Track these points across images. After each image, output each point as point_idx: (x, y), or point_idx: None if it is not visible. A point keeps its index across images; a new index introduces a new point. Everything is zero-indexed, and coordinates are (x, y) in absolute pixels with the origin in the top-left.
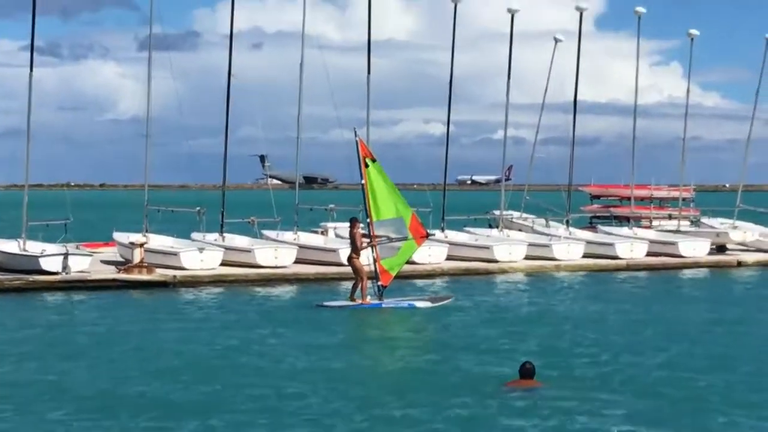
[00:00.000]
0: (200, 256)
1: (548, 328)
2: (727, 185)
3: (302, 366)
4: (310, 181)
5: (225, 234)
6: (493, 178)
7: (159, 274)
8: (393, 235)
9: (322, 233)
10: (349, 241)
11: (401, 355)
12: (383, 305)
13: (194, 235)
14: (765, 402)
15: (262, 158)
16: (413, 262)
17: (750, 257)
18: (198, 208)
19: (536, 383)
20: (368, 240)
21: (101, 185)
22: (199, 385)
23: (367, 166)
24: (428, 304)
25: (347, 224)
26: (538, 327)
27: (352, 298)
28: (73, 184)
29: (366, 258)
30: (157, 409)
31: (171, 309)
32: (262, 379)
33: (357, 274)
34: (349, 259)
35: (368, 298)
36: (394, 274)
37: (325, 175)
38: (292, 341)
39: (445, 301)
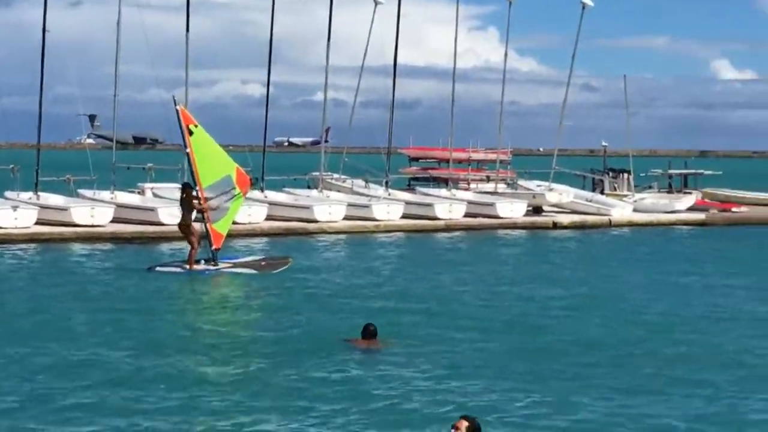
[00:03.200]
0: (14, 214)
1: (382, 288)
2: (541, 149)
3: (138, 333)
4: (139, 141)
5: (40, 192)
6: (310, 140)
7: None
8: (224, 196)
9: (139, 193)
10: (179, 205)
11: (239, 318)
12: (221, 270)
13: (8, 193)
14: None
15: (92, 117)
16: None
17: (565, 218)
18: (12, 166)
19: (378, 343)
20: (199, 205)
21: None
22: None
23: (191, 133)
24: (264, 270)
25: (165, 185)
26: (375, 288)
27: (190, 266)
28: None
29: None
30: None
31: None
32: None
33: (188, 240)
34: (180, 225)
35: (201, 263)
36: (224, 233)
37: (155, 135)
38: (127, 306)
39: (283, 267)
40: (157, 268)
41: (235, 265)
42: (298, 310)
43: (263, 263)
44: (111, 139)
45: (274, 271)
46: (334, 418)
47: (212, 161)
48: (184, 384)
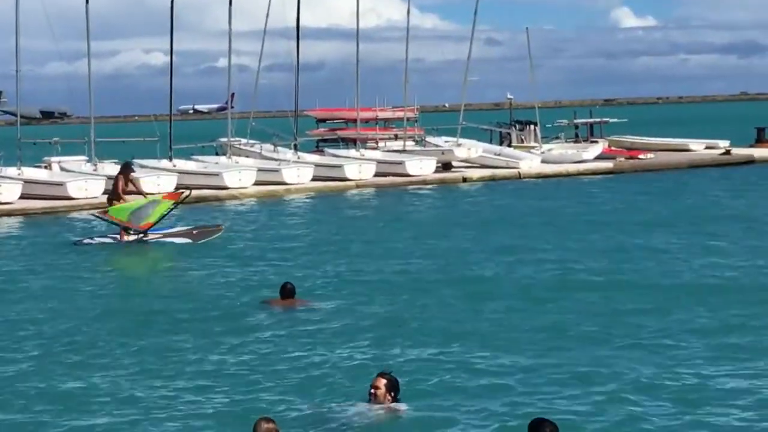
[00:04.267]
0: None
1: (299, 251)
2: (447, 105)
3: (66, 303)
4: (47, 115)
5: None
6: (215, 106)
7: None
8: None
9: (46, 167)
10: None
11: (162, 286)
12: (151, 240)
13: None
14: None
15: None
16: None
17: (474, 173)
18: None
19: (295, 301)
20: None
21: None
22: None
23: None
24: (191, 240)
25: (72, 158)
26: (293, 251)
27: (121, 237)
28: None
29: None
30: None
31: None
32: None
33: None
34: (109, 201)
35: (131, 234)
36: (153, 221)
37: (63, 109)
38: (57, 283)
39: (216, 234)
40: (86, 241)
41: (166, 235)
42: (221, 276)
43: (195, 232)
44: (19, 115)
45: (206, 239)
46: (245, 381)
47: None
48: (105, 352)
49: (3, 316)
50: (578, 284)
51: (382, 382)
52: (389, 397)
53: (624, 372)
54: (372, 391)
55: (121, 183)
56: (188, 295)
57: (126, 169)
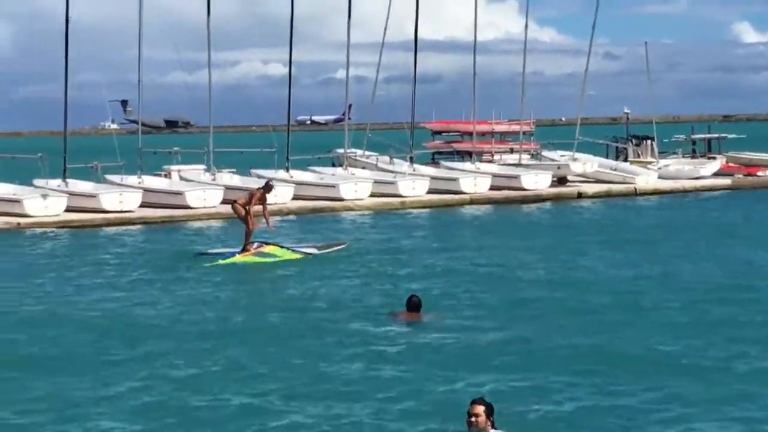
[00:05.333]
0: (44, 202)
1: (421, 263)
2: (563, 119)
3: (196, 320)
4: (171, 124)
5: (68, 180)
6: (332, 118)
7: (2, 221)
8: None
9: (165, 176)
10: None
11: (287, 298)
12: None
13: (36, 181)
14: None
15: (124, 103)
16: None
17: (590, 188)
18: (39, 155)
19: (421, 315)
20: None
21: None
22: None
23: None
24: (314, 250)
25: (192, 167)
26: (415, 264)
27: (245, 247)
28: None
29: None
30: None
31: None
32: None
33: (244, 220)
34: (235, 202)
35: (254, 245)
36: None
37: (186, 119)
38: (184, 294)
39: (336, 247)
40: (209, 252)
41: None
42: (344, 288)
43: (318, 246)
44: (143, 124)
45: (328, 251)
46: (365, 392)
47: None
48: (239, 365)
49: (134, 322)
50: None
51: (481, 408)
52: (489, 423)
53: None
54: (472, 419)
55: (256, 197)
56: (312, 306)
57: (267, 188)
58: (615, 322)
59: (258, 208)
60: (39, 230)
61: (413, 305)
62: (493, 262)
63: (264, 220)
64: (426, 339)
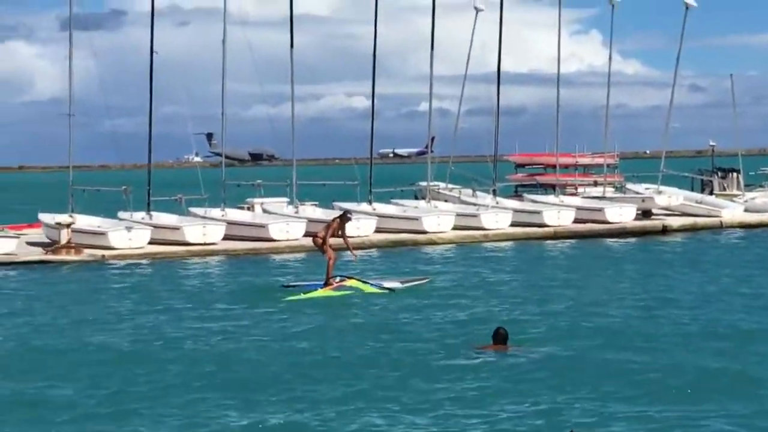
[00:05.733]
0: (128, 234)
1: (508, 296)
2: (648, 152)
3: (287, 351)
4: (256, 158)
5: (152, 212)
6: (415, 150)
7: (87, 254)
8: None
9: (248, 209)
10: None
11: (372, 330)
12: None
13: (121, 214)
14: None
15: (209, 136)
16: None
17: (675, 221)
18: (124, 187)
19: (508, 348)
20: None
21: (20, 167)
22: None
23: None
24: (398, 284)
25: (275, 200)
26: (501, 297)
27: (327, 281)
28: None
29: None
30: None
31: (117, 289)
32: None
33: (323, 253)
34: (322, 242)
35: (337, 279)
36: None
37: (271, 152)
38: (270, 327)
39: (419, 282)
40: (294, 284)
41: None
42: (429, 321)
43: (401, 281)
44: (228, 157)
45: (411, 284)
46: (451, 424)
47: None
48: (334, 398)
49: (224, 354)
50: None
51: None
52: None
53: None
54: None
55: (332, 227)
56: (398, 340)
57: (344, 217)
58: (715, 350)
59: (337, 240)
60: (123, 262)
61: (500, 337)
62: (580, 294)
63: (349, 251)
64: (515, 370)
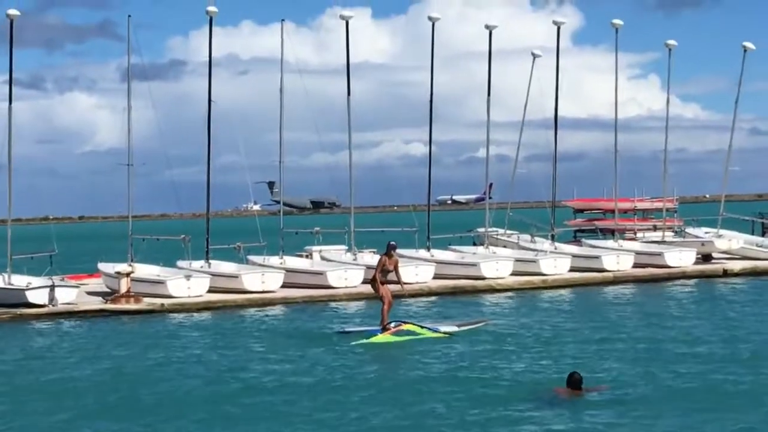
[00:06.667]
0: (187, 283)
1: (575, 342)
2: (708, 195)
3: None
4: (317, 205)
5: (211, 260)
6: (473, 197)
7: (147, 303)
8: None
9: (307, 257)
10: (379, 265)
11: (437, 373)
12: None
13: (180, 262)
14: None
15: (271, 184)
16: (395, 282)
17: (736, 265)
18: (183, 236)
19: (582, 392)
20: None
21: (80, 217)
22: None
23: None
24: (455, 328)
25: (332, 247)
26: (568, 342)
27: (384, 326)
28: (52, 217)
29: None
30: None
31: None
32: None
33: (380, 298)
34: (372, 280)
35: (392, 325)
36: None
37: (332, 199)
38: (329, 374)
39: (476, 325)
40: (349, 330)
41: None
42: (489, 367)
43: (459, 324)
44: (289, 205)
45: (468, 328)
46: None
47: None
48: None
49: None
50: None
51: None
52: None
53: None
54: None
55: (381, 263)
56: (463, 384)
57: (390, 248)
58: None
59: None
60: (182, 311)
61: (575, 382)
62: (646, 338)
63: (399, 284)
64: (593, 417)
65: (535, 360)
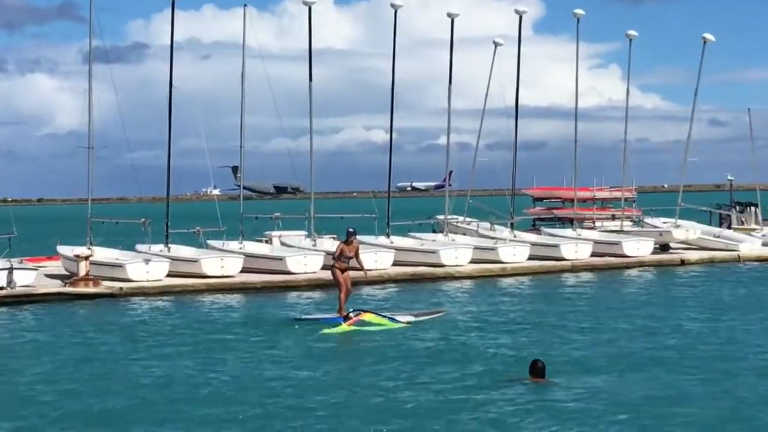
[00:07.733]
0: (146, 267)
1: (533, 330)
2: (666, 186)
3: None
4: (280, 190)
5: (170, 245)
6: (433, 184)
7: (105, 286)
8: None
9: (266, 242)
10: (337, 251)
11: (397, 364)
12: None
13: (139, 246)
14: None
15: (234, 169)
16: (357, 268)
17: (693, 255)
18: (143, 220)
19: (545, 381)
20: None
21: (39, 200)
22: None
23: None
24: (412, 318)
25: (292, 233)
26: (527, 331)
27: (344, 315)
28: (10, 199)
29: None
30: None
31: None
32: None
33: (337, 285)
34: (331, 267)
35: (351, 314)
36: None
37: (295, 185)
38: (281, 363)
39: (434, 315)
40: (305, 317)
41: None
42: (456, 353)
43: (416, 314)
44: (252, 190)
45: (427, 318)
46: None
47: None
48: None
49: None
50: None
51: None
52: None
53: None
54: None
55: (338, 248)
56: (424, 375)
57: (348, 235)
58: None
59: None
60: (141, 295)
61: (538, 370)
62: (604, 326)
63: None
64: (557, 403)
65: (496, 348)
